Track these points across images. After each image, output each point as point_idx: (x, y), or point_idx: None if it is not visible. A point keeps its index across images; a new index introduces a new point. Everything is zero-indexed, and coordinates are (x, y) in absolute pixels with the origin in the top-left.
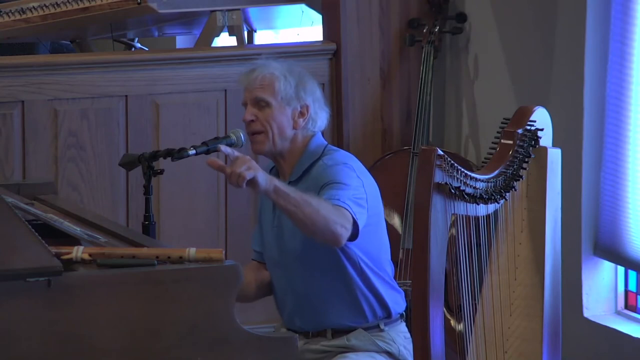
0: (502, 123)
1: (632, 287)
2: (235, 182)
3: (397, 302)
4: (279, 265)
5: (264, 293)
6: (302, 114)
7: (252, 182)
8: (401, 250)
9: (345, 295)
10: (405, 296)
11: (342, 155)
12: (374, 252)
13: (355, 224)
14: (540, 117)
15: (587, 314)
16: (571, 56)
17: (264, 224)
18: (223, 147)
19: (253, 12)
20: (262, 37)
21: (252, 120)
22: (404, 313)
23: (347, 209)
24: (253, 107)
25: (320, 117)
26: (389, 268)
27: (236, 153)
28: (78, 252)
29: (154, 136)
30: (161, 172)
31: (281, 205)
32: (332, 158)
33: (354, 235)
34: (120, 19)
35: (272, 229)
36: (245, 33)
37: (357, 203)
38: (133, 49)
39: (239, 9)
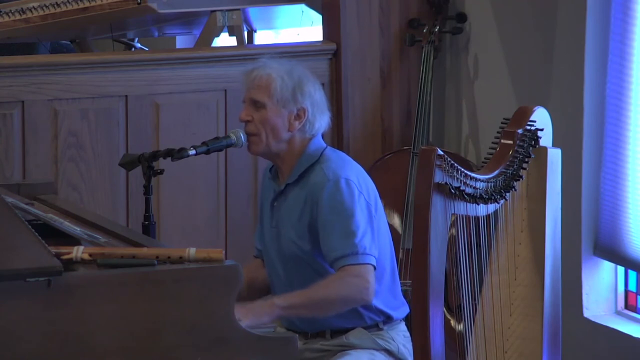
0: (502, 123)
1: (632, 287)
2: None
3: (397, 309)
4: (277, 265)
5: (265, 293)
6: (298, 116)
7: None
8: (401, 250)
9: None
10: (405, 296)
11: (341, 162)
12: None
13: (374, 266)
14: (540, 117)
15: (587, 314)
16: (571, 56)
17: (264, 223)
18: None
19: (253, 12)
20: (262, 37)
21: (248, 121)
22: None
23: (362, 263)
24: (250, 107)
25: (319, 120)
26: (391, 272)
27: None
28: (78, 252)
29: (154, 136)
30: (161, 172)
31: (294, 316)
32: (330, 167)
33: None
34: (120, 19)
35: (271, 229)
36: (245, 33)
37: (366, 232)
38: (133, 49)
39: (239, 9)
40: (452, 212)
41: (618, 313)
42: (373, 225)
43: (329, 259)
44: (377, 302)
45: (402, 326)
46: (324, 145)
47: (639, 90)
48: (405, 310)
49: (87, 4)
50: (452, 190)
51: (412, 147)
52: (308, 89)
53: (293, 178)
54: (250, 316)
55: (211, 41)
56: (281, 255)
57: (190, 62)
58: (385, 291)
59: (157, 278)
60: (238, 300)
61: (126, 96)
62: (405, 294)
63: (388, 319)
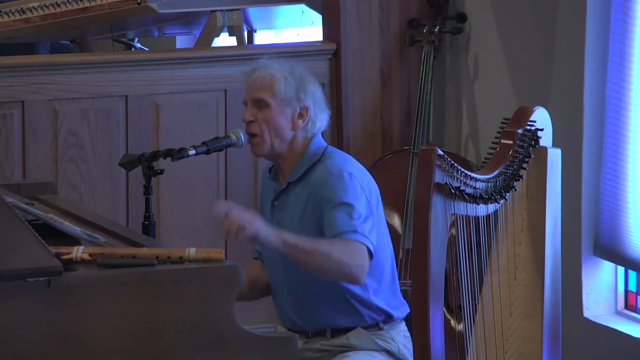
0: (502, 123)
1: (632, 287)
2: (233, 230)
3: (397, 308)
4: (277, 264)
5: (266, 293)
6: (301, 115)
7: (255, 238)
8: (401, 250)
9: (343, 298)
10: (405, 296)
11: (343, 159)
12: (375, 255)
13: (370, 253)
14: (540, 117)
15: (587, 314)
16: (571, 56)
17: None
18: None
19: (253, 12)
20: (262, 37)
21: (251, 121)
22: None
23: (361, 242)
24: (252, 107)
25: (320, 119)
26: (391, 272)
27: (238, 210)
28: (78, 252)
29: (154, 136)
30: (161, 172)
31: (292, 256)
32: (334, 163)
33: (370, 259)
34: (120, 19)
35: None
36: (245, 33)
37: (367, 221)
38: (133, 49)
39: (239, 9)
40: (452, 212)
41: (618, 313)
42: (373, 219)
43: (331, 234)
44: (378, 301)
45: (403, 326)
46: (325, 144)
47: (639, 90)
48: (405, 310)
49: (87, 4)
50: (452, 190)
51: (412, 147)
52: (310, 87)
53: (295, 177)
54: (262, 229)
55: (211, 41)
56: (282, 255)
57: (190, 62)
58: (385, 290)
59: (157, 278)
60: (238, 299)
61: (126, 96)
62: (405, 294)
63: (389, 318)
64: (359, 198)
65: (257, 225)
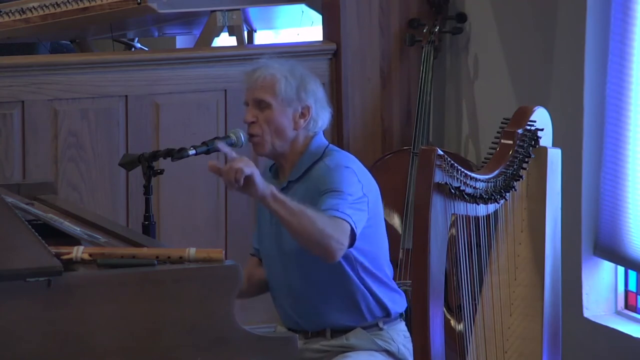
0: (502, 123)
1: (632, 287)
2: (232, 177)
3: (396, 302)
4: (276, 263)
5: (262, 290)
6: (303, 114)
7: (250, 181)
8: (401, 250)
9: (342, 294)
10: (405, 296)
11: (344, 156)
12: (373, 254)
13: (353, 234)
14: (540, 117)
15: (587, 314)
16: (571, 56)
17: (261, 222)
18: (221, 145)
19: (253, 12)
20: (262, 37)
21: (253, 122)
22: (403, 313)
23: (345, 220)
24: (254, 107)
25: (322, 117)
26: (388, 269)
27: (234, 154)
28: (78, 252)
29: (154, 136)
30: (161, 172)
31: (277, 212)
32: (334, 159)
33: (351, 243)
34: (120, 19)
35: (271, 226)
36: (245, 33)
37: (357, 208)
38: (133, 49)
39: (239, 9)
40: (452, 212)
41: (618, 313)
42: (368, 212)
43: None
44: (379, 290)
45: (402, 326)
46: (326, 142)
47: (639, 90)
48: (403, 302)
49: (87, 4)
50: (452, 190)
51: (412, 147)
52: (311, 87)
53: (296, 175)
54: (257, 173)
55: (211, 41)
56: (281, 252)
57: (190, 62)
58: (384, 284)
59: (157, 278)
60: (238, 297)
61: (126, 96)
62: (405, 294)
63: (387, 314)
64: (353, 187)
65: (254, 168)
